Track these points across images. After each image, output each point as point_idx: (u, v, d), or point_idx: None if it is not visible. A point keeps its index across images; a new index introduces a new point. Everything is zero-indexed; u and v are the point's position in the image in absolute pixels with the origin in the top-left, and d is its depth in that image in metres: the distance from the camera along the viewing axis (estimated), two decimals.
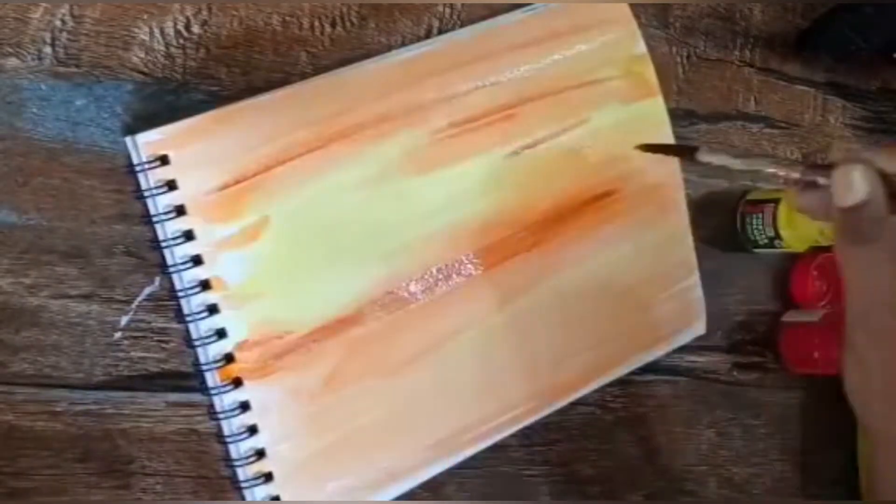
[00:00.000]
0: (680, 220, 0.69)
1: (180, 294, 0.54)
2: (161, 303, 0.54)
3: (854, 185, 0.44)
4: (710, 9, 0.74)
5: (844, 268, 0.46)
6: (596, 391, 0.67)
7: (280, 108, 0.56)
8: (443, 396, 0.60)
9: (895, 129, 0.83)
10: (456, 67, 0.61)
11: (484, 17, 0.63)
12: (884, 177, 0.44)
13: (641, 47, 0.67)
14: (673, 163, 0.68)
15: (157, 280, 0.54)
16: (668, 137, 0.68)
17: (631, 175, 0.67)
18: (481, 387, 0.62)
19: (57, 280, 0.52)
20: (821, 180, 0.46)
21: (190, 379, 0.55)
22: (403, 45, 0.61)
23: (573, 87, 0.64)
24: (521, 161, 0.63)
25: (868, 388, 0.47)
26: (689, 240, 0.69)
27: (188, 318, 0.54)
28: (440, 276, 0.60)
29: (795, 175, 0.47)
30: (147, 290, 0.54)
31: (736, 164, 0.48)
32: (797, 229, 0.71)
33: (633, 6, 0.67)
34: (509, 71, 0.62)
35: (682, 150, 0.51)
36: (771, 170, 0.48)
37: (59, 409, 0.52)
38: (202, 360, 0.54)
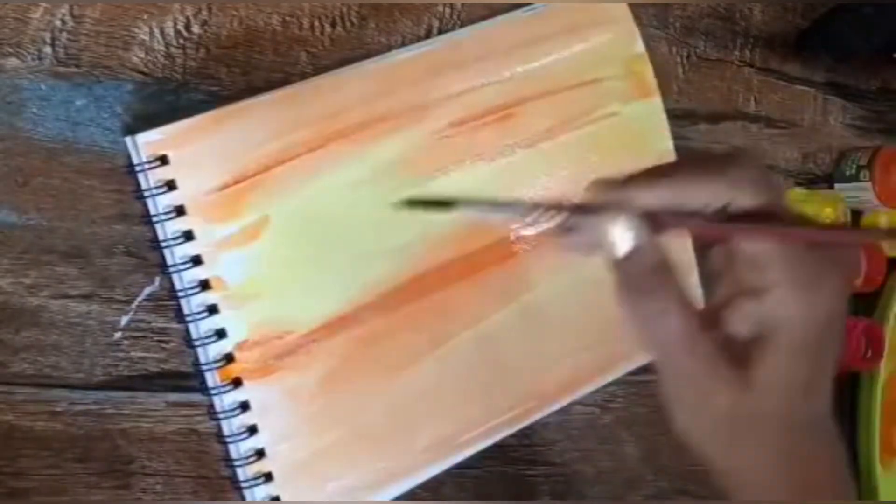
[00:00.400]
0: None
1: (180, 294, 0.54)
2: (161, 303, 0.54)
3: (618, 238, 0.42)
4: (710, 9, 0.74)
5: (631, 320, 0.43)
6: (596, 391, 0.67)
7: (280, 108, 0.56)
8: (443, 396, 0.60)
9: (895, 129, 0.83)
10: (455, 67, 0.61)
11: (484, 17, 0.63)
12: (650, 217, 0.41)
13: (640, 47, 0.67)
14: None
15: (157, 280, 0.54)
16: (666, 137, 0.68)
17: None
18: (481, 386, 0.62)
19: (57, 280, 0.52)
20: (581, 225, 0.43)
21: (190, 379, 0.55)
22: (403, 45, 0.61)
23: (572, 86, 0.64)
24: (519, 161, 0.63)
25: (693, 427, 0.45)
26: (689, 239, 0.69)
27: (188, 318, 0.54)
28: (439, 277, 0.60)
29: (552, 223, 0.44)
30: (147, 290, 0.54)
31: (495, 217, 0.46)
32: None
33: (633, 6, 0.67)
34: (508, 71, 0.62)
35: (441, 205, 0.47)
36: (528, 219, 0.45)
37: (59, 409, 0.52)
38: (202, 360, 0.54)
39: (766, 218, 0.41)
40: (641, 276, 0.42)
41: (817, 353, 0.42)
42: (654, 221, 0.42)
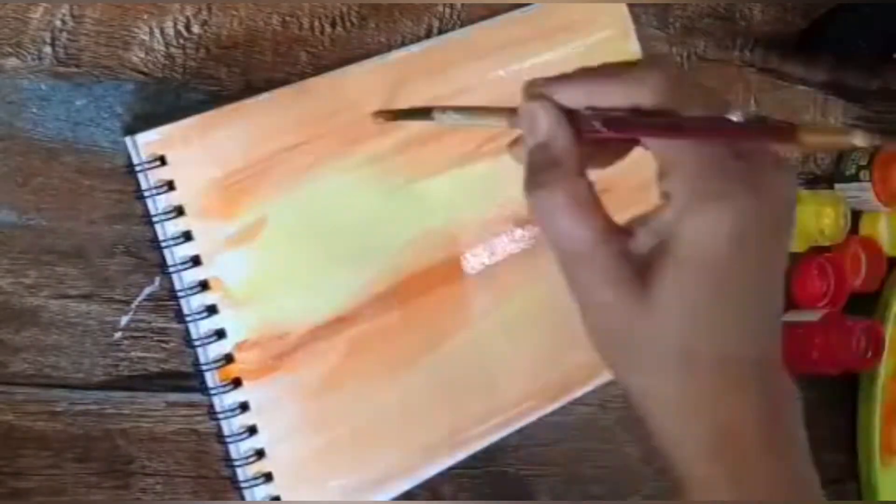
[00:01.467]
0: None
1: (180, 294, 0.54)
2: (161, 303, 0.54)
3: (535, 122, 0.42)
4: (710, 9, 0.74)
5: (534, 213, 0.42)
6: (596, 391, 0.67)
7: (279, 108, 0.56)
8: (442, 395, 0.60)
9: (895, 129, 0.83)
10: (453, 66, 0.61)
11: (484, 17, 0.63)
12: (569, 113, 0.41)
13: (635, 45, 0.67)
14: None
15: (157, 280, 0.54)
16: None
17: (623, 172, 0.66)
18: (480, 386, 0.62)
19: (57, 280, 0.52)
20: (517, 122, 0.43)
21: (190, 379, 0.55)
22: (403, 45, 0.61)
23: None
24: (519, 159, 0.62)
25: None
26: None
27: (188, 319, 0.54)
28: (439, 275, 0.60)
29: (503, 122, 0.45)
30: (147, 290, 0.54)
31: (465, 121, 0.48)
32: (797, 229, 0.71)
33: (633, 6, 0.67)
34: (505, 69, 0.62)
35: (417, 113, 0.50)
36: (489, 120, 0.47)
37: (59, 409, 0.52)
38: (202, 360, 0.54)
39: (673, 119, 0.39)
40: (547, 168, 0.41)
41: (725, 280, 0.39)
42: (572, 119, 0.41)
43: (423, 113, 0.50)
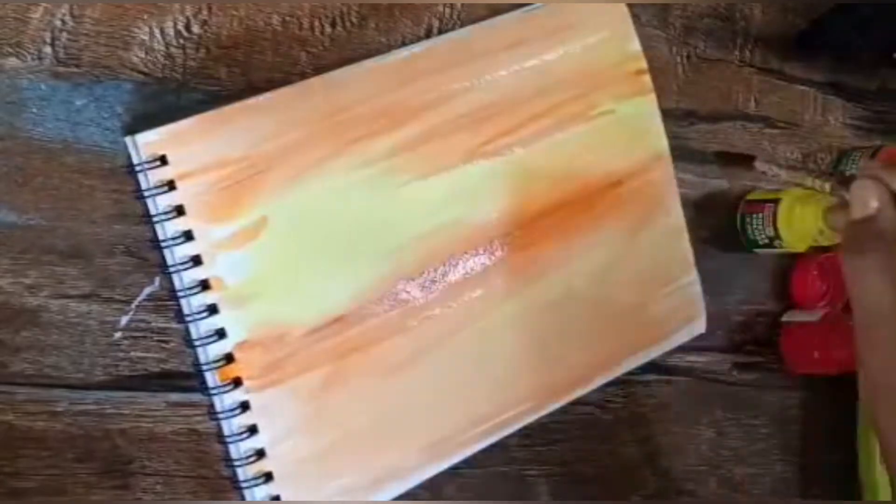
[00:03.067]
0: (675, 218, 0.69)
1: (180, 294, 0.54)
2: (161, 303, 0.54)
3: (868, 197, 0.47)
4: (710, 9, 0.74)
5: (846, 278, 0.48)
6: (596, 391, 0.67)
7: (279, 108, 0.56)
8: (442, 396, 0.60)
9: (895, 129, 0.83)
10: (453, 66, 0.61)
11: (484, 17, 0.63)
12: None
13: (636, 45, 0.67)
14: (665, 160, 0.68)
15: (157, 280, 0.54)
16: (661, 136, 0.68)
17: (626, 173, 0.67)
18: (480, 386, 0.62)
19: (57, 280, 0.52)
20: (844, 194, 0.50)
21: (190, 379, 0.55)
22: (403, 45, 0.61)
23: (568, 85, 0.64)
24: (518, 159, 0.63)
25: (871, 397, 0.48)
26: (686, 237, 0.69)
27: (188, 319, 0.54)
28: (438, 275, 0.60)
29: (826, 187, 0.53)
30: (147, 290, 0.54)
31: (786, 177, 0.58)
32: (797, 229, 0.71)
33: (633, 6, 0.67)
34: (505, 69, 0.62)
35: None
36: (811, 180, 0.56)
37: (59, 409, 0.52)
38: (202, 360, 0.54)
39: None
40: (865, 238, 0.46)
41: None
42: None
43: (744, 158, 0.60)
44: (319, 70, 0.58)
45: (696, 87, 0.73)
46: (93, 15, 0.52)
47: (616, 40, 0.66)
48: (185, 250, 0.53)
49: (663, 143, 0.68)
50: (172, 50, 0.54)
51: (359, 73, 0.59)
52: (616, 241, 0.66)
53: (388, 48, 0.60)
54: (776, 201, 0.72)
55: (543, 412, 0.64)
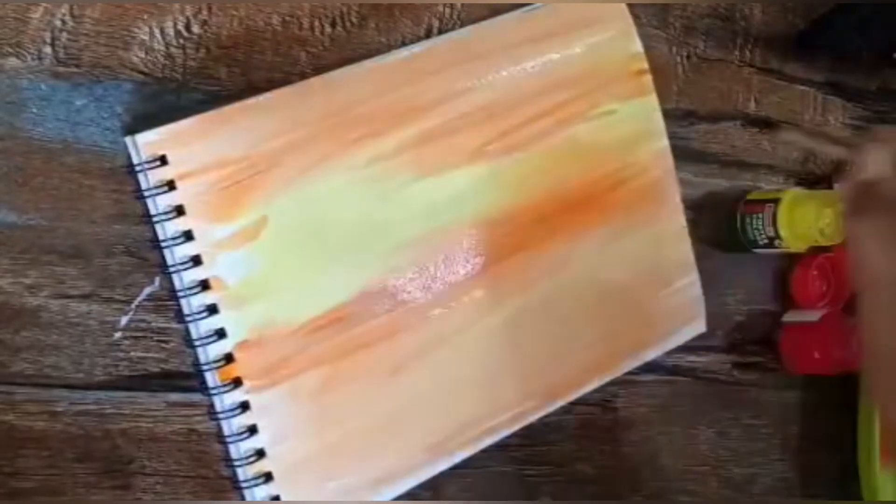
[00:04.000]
0: (676, 217, 0.69)
1: (180, 294, 0.53)
2: (161, 303, 0.54)
3: (878, 160, 0.47)
4: (710, 9, 0.74)
5: (848, 241, 0.48)
6: (596, 391, 0.67)
7: (279, 108, 0.56)
8: (442, 396, 0.60)
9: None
10: (453, 66, 0.61)
11: (484, 17, 0.63)
12: None
13: (637, 45, 0.67)
14: (666, 160, 0.68)
15: (157, 280, 0.54)
16: (662, 136, 0.68)
17: (626, 173, 0.67)
18: (480, 386, 0.62)
19: (57, 280, 0.52)
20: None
21: (190, 379, 0.55)
22: (403, 44, 0.61)
23: (569, 85, 0.64)
24: (518, 159, 0.63)
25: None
26: (686, 237, 0.69)
27: (188, 319, 0.54)
28: (438, 275, 0.60)
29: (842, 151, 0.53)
30: (147, 290, 0.54)
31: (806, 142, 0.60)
32: (797, 229, 0.71)
33: (633, 6, 0.67)
34: (506, 69, 0.62)
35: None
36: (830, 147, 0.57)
37: (59, 409, 0.52)
38: (202, 360, 0.54)
39: None
40: (867, 201, 0.46)
41: None
42: None
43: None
44: (319, 70, 0.58)
45: (696, 87, 0.73)
46: (93, 15, 0.52)
47: (617, 40, 0.66)
48: (185, 250, 0.53)
49: (664, 144, 0.68)
50: (172, 50, 0.54)
51: (359, 73, 0.59)
52: (618, 242, 0.66)
53: (388, 48, 0.60)
54: (776, 201, 0.72)
55: (543, 412, 0.64)
